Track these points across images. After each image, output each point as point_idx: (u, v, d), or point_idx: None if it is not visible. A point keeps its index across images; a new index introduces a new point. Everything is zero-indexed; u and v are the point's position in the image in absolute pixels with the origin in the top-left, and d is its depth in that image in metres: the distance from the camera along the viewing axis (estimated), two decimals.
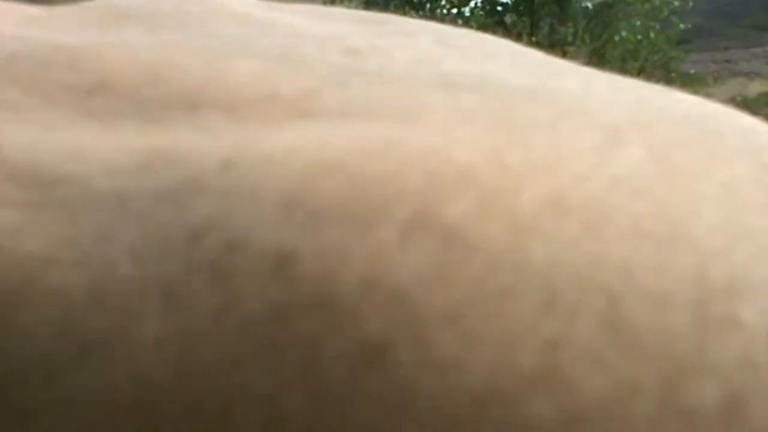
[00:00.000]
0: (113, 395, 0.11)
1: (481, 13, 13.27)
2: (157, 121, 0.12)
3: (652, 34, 12.54)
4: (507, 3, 13.31)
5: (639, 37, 12.44)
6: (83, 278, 0.11)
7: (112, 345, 0.11)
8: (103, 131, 0.12)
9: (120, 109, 0.13)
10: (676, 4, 12.58)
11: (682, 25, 12.64)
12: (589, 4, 12.71)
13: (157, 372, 0.10)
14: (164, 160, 0.12)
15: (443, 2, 13.20)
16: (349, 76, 0.13)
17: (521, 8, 12.96)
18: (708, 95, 0.15)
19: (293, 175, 0.11)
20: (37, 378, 0.11)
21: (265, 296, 0.10)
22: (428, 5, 12.92)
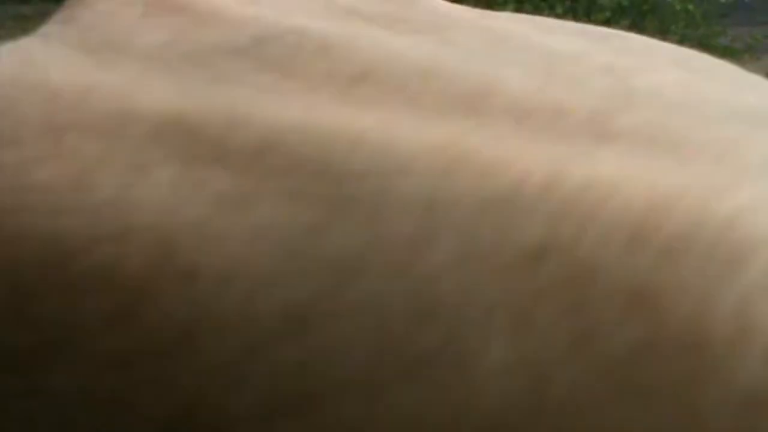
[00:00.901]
0: (440, 422, 0.10)
1: None
2: (440, 117, 0.11)
3: (690, 6, 11.73)
4: None
5: (678, 7, 11.65)
6: (400, 288, 0.10)
7: (444, 366, 0.10)
8: (377, 122, 0.11)
9: (386, 99, 0.12)
10: None
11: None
12: None
13: (502, 405, 0.09)
14: (465, 165, 0.10)
15: None
16: (628, 96, 0.12)
17: None
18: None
19: (633, 206, 0.10)
20: (356, 394, 0.10)
21: (622, 333, 0.09)
22: None
